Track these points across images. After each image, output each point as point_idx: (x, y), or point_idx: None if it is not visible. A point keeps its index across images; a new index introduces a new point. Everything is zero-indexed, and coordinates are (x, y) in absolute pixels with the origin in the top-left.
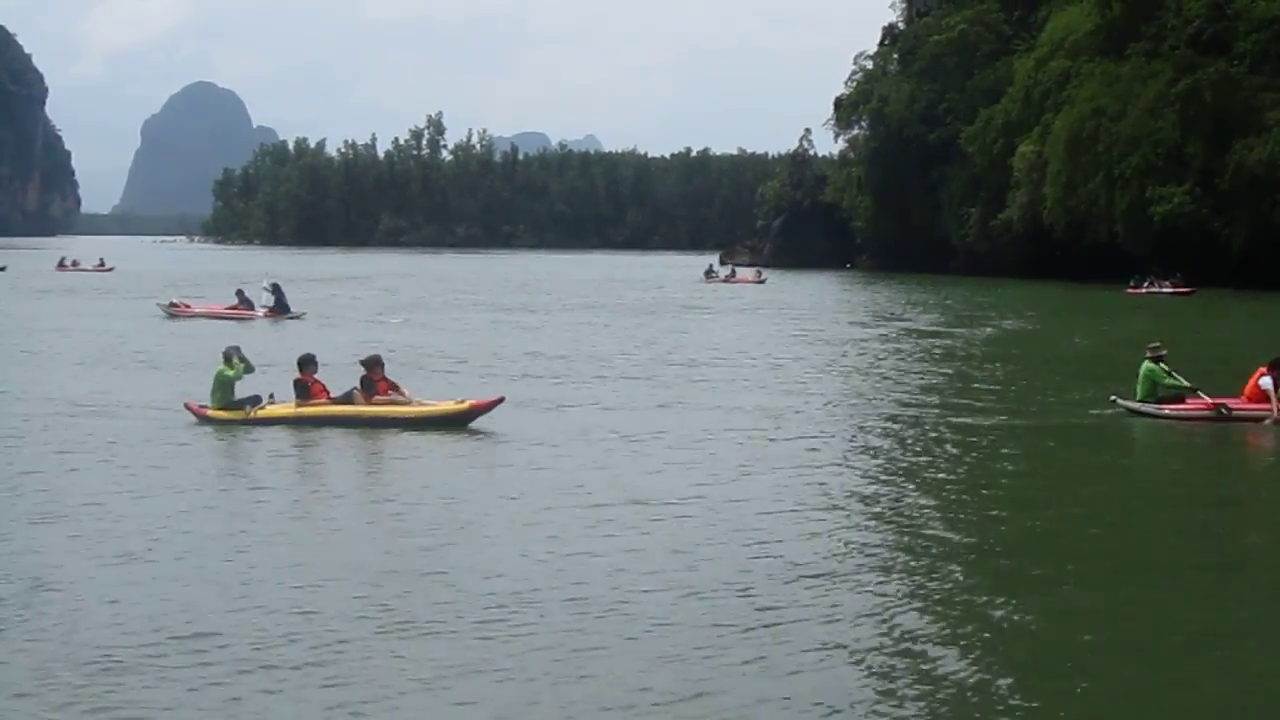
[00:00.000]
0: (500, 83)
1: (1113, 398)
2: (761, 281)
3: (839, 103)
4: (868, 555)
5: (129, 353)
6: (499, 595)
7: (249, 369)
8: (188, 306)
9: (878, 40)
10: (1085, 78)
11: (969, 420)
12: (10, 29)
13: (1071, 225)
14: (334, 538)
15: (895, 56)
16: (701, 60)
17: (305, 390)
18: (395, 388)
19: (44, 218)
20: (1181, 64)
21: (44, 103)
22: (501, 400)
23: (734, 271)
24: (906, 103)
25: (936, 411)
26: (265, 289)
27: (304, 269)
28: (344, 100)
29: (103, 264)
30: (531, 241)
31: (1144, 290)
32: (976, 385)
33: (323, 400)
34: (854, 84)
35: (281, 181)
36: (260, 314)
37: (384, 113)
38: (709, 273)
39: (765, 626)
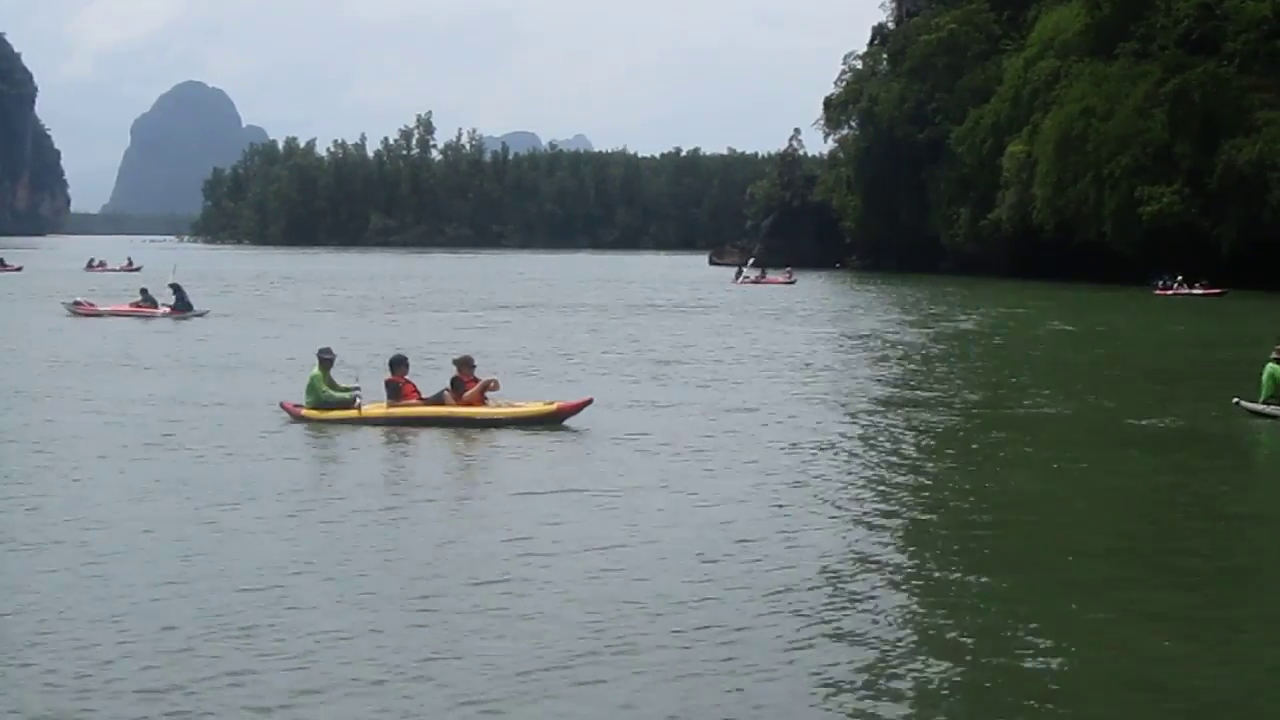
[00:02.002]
0: (490, 82)
1: (1235, 400)
2: (792, 282)
3: (828, 102)
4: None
5: (181, 353)
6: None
7: (340, 391)
8: (92, 305)
9: (867, 40)
10: (1074, 78)
11: (1102, 422)
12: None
13: (1060, 225)
14: (406, 532)
15: (885, 56)
16: (691, 60)
17: (397, 391)
18: (486, 388)
19: (33, 217)
20: (1171, 64)
21: (33, 102)
22: (590, 402)
23: (764, 273)
24: (896, 103)
25: (1068, 414)
26: (168, 287)
27: (278, 268)
28: (334, 100)
29: (130, 264)
30: (521, 241)
31: (1172, 291)
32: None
33: (414, 400)
34: (843, 84)
35: (271, 181)
36: (163, 312)
37: (374, 112)
38: (739, 274)
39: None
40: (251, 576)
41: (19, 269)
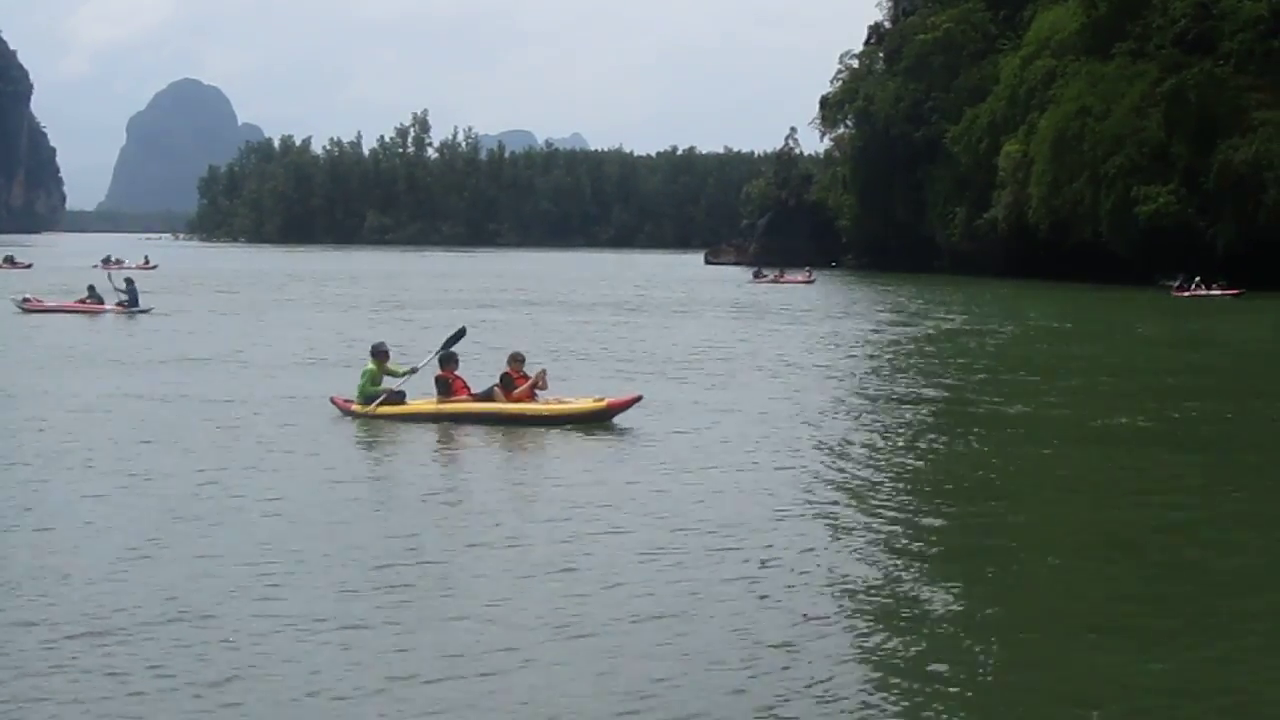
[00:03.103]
0: (487, 80)
1: None
2: (811, 281)
3: (825, 101)
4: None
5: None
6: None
7: (401, 375)
8: (40, 301)
9: (864, 39)
10: (1071, 77)
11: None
12: None
13: (1056, 225)
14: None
15: (881, 55)
16: (688, 59)
17: (447, 387)
18: (535, 385)
19: (29, 215)
20: (1167, 63)
21: (29, 99)
22: (639, 399)
23: (783, 272)
24: (892, 101)
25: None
26: (119, 288)
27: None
28: (330, 97)
29: (147, 262)
30: (516, 240)
31: (1190, 293)
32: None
33: (464, 397)
34: (840, 83)
35: (267, 179)
36: (110, 308)
37: (371, 110)
38: (758, 274)
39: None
40: (272, 560)
41: (29, 266)
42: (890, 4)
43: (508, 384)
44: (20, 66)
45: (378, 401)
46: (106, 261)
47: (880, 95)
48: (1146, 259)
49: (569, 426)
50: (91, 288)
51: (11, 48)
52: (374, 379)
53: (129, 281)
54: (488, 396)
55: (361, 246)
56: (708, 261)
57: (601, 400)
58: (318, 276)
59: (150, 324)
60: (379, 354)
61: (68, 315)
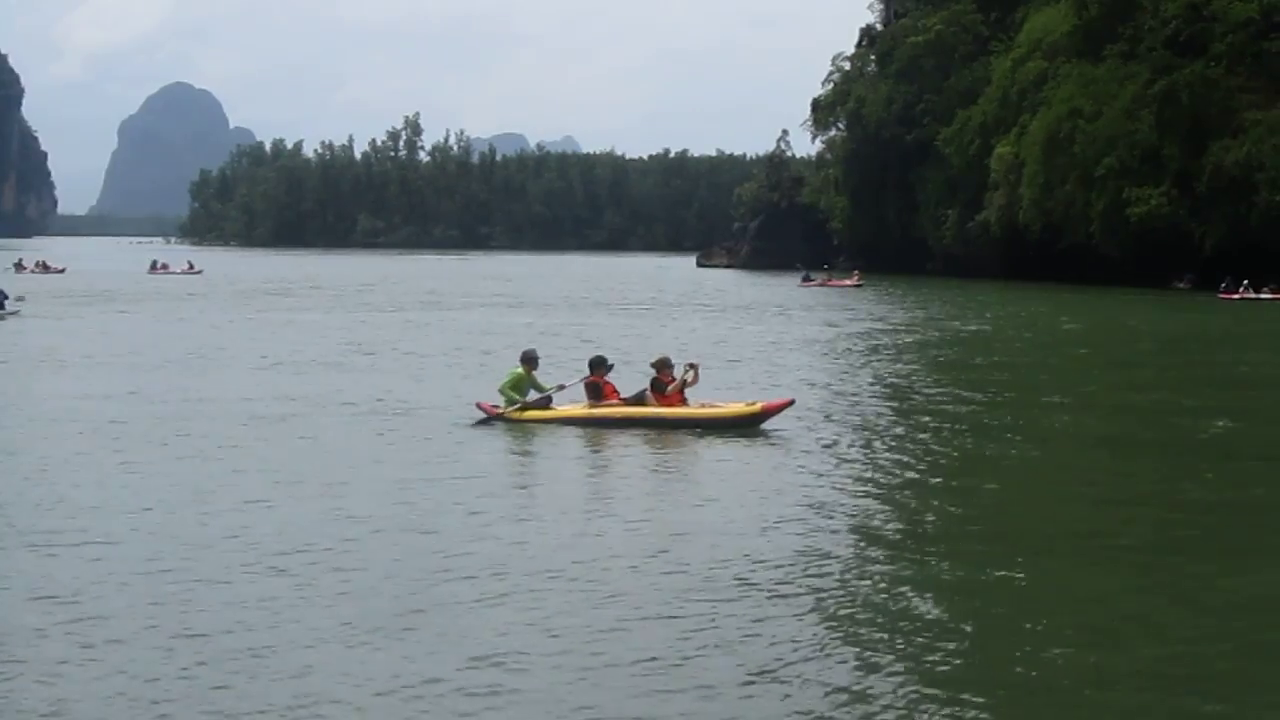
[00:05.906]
0: (479, 84)
1: None
2: (859, 285)
3: (816, 104)
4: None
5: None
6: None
7: (545, 390)
8: None
9: (855, 41)
10: (1062, 79)
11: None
12: None
13: (1048, 227)
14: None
15: (873, 57)
16: (679, 61)
17: (597, 391)
18: (685, 382)
19: (20, 219)
20: (1158, 65)
21: (20, 103)
22: (791, 403)
23: (830, 276)
24: (884, 104)
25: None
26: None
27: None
28: (323, 101)
29: (191, 267)
30: (508, 243)
31: (1239, 295)
32: None
33: (614, 401)
34: (831, 85)
35: (258, 183)
36: None
37: (362, 113)
38: (806, 277)
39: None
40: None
41: (62, 271)
42: (882, 6)
43: (658, 387)
44: (12, 70)
45: (517, 406)
46: (154, 267)
47: (872, 97)
48: (1138, 261)
49: (721, 430)
50: None
51: (3, 51)
52: (520, 384)
53: None
54: (639, 400)
55: (353, 250)
56: (700, 264)
57: (755, 404)
58: (347, 280)
59: (13, 326)
60: (529, 360)
61: None
